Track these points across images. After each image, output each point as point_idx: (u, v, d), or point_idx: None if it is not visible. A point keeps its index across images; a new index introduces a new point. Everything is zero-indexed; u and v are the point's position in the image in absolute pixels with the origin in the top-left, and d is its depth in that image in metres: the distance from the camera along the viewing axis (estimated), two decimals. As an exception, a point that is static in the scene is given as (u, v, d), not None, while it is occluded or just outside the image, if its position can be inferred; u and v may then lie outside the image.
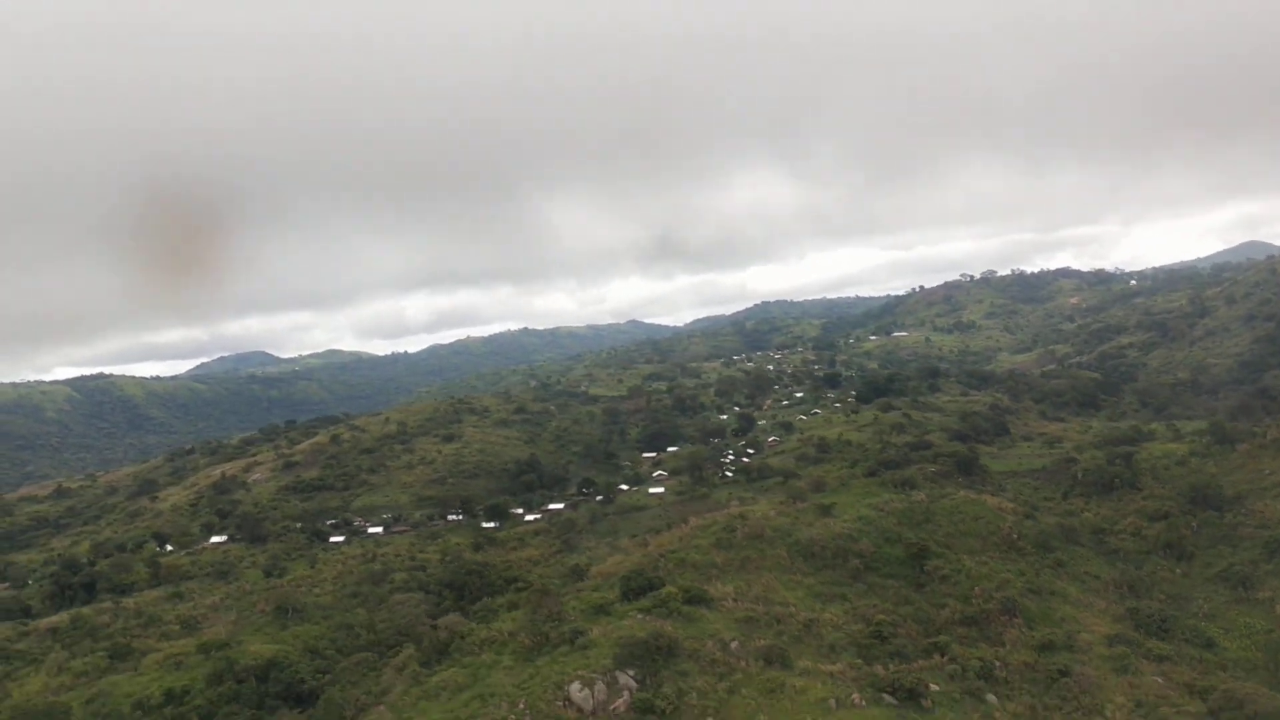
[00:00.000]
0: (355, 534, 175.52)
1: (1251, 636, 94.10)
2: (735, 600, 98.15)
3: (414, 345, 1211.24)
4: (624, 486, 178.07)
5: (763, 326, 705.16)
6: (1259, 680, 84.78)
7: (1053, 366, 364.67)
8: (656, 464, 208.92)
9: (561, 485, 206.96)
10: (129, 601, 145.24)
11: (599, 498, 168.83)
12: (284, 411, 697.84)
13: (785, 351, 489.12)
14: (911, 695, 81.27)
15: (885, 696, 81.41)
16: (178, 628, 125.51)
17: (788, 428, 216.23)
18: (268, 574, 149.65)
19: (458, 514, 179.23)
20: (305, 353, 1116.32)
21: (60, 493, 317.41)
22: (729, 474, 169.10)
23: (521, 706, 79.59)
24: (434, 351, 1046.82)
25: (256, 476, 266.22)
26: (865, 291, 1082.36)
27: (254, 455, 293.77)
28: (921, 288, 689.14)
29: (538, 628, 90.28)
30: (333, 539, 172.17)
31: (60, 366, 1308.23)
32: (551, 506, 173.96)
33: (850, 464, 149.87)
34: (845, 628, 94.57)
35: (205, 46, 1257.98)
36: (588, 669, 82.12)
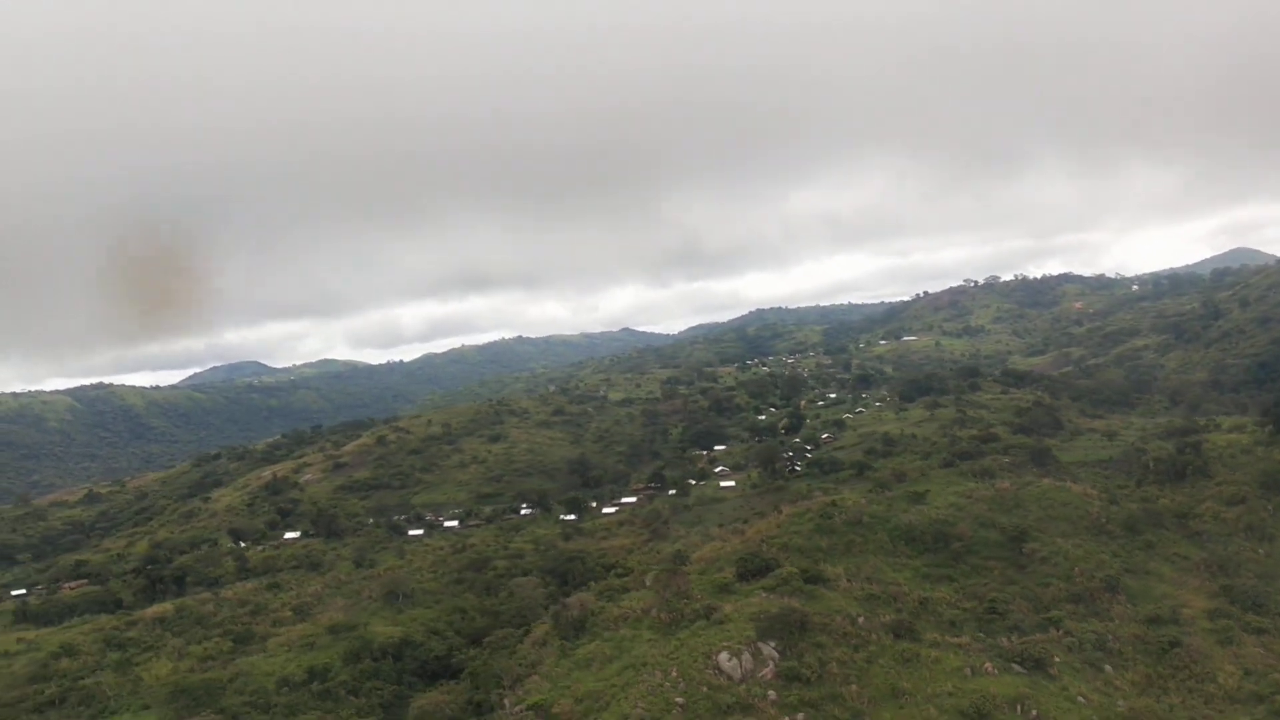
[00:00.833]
0: (431, 528, 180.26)
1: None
2: (849, 581, 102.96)
3: (408, 354, 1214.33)
4: (690, 481, 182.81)
5: (765, 333, 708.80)
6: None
7: (1070, 368, 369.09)
8: (712, 460, 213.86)
9: (620, 481, 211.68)
10: (227, 592, 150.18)
11: (670, 491, 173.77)
12: (284, 420, 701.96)
13: (798, 355, 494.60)
14: (1039, 665, 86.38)
15: (1014, 666, 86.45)
16: (290, 614, 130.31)
17: (839, 425, 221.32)
18: (358, 564, 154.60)
19: (530, 508, 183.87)
20: (299, 362, 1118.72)
21: (91, 498, 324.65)
22: (797, 468, 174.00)
23: (674, 674, 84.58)
24: (429, 360, 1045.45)
25: (308, 477, 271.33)
26: (858, 298, 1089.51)
27: (301, 456, 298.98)
28: (926, 293, 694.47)
29: (671, 604, 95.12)
30: (411, 532, 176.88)
31: (52, 377, 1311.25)
32: (624, 500, 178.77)
33: (923, 456, 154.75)
34: (959, 605, 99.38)
35: (190, 51, 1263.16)
36: (732, 641, 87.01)
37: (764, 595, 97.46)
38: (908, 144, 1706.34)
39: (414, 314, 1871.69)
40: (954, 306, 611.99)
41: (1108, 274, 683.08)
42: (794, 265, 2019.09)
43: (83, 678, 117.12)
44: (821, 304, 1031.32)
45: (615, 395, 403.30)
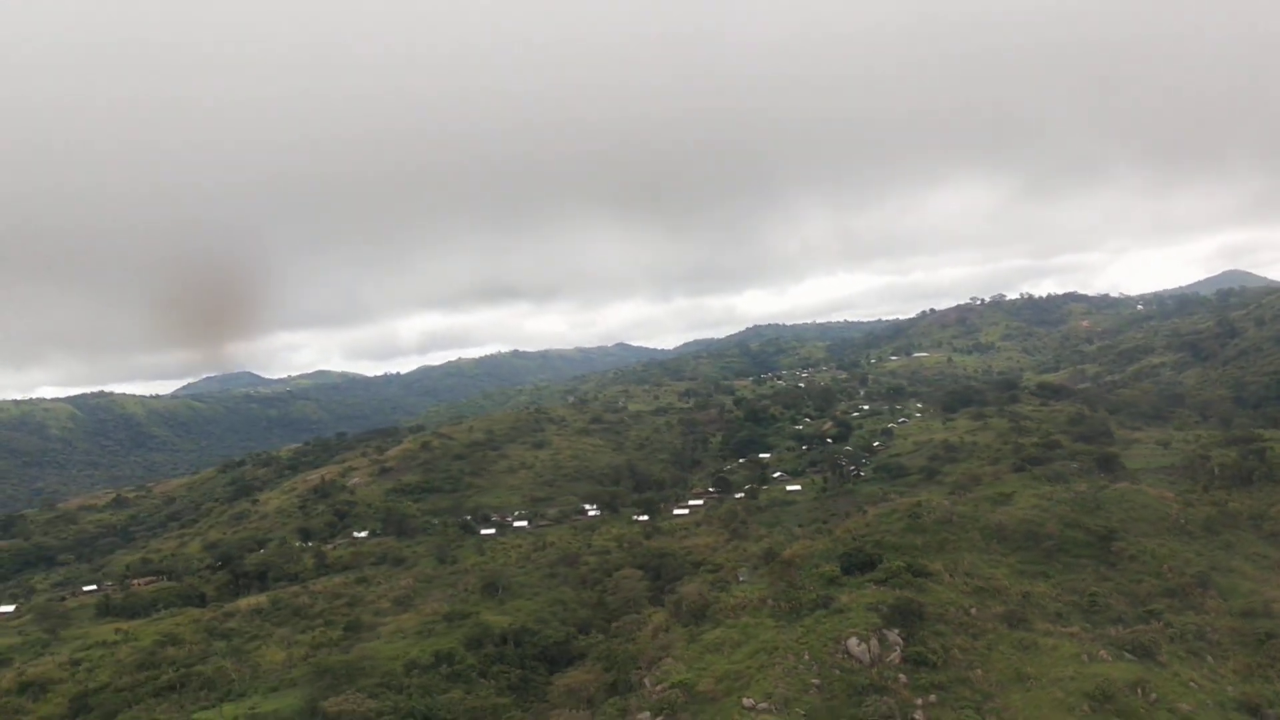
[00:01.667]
0: (502, 527, 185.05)
1: None
2: (950, 575, 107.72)
3: (403, 367, 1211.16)
4: (749, 485, 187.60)
5: (769, 348, 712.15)
6: None
7: (1087, 384, 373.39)
8: (764, 467, 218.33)
9: (678, 485, 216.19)
10: (316, 585, 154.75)
11: (737, 495, 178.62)
12: (283, 430, 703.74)
13: (811, 370, 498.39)
14: (1147, 652, 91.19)
15: (1125, 654, 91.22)
16: (389, 605, 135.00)
17: (888, 433, 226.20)
18: (440, 560, 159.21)
19: (599, 509, 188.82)
20: (294, 373, 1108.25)
21: (120, 502, 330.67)
22: (860, 473, 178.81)
23: (806, 658, 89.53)
24: (426, 373, 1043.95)
25: (355, 480, 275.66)
26: (853, 316, 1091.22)
27: (343, 461, 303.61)
28: (932, 310, 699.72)
29: (790, 594, 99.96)
30: (483, 531, 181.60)
31: (44, 386, 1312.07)
32: (692, 503, 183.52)
33: (991, 461, 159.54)
34: (1059, 599, 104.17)
35: (194, 67, 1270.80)
36: (859, 627, 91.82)
37: (874, 587, 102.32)
38: (909, 164, 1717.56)
39: (409, 327, 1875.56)
40: (962, 324, 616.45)
41: (1111, 294, 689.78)
42: (790, 283, 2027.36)
43: (192, 664, 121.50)
44: (818, 321, 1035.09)
45: (635, 407, 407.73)
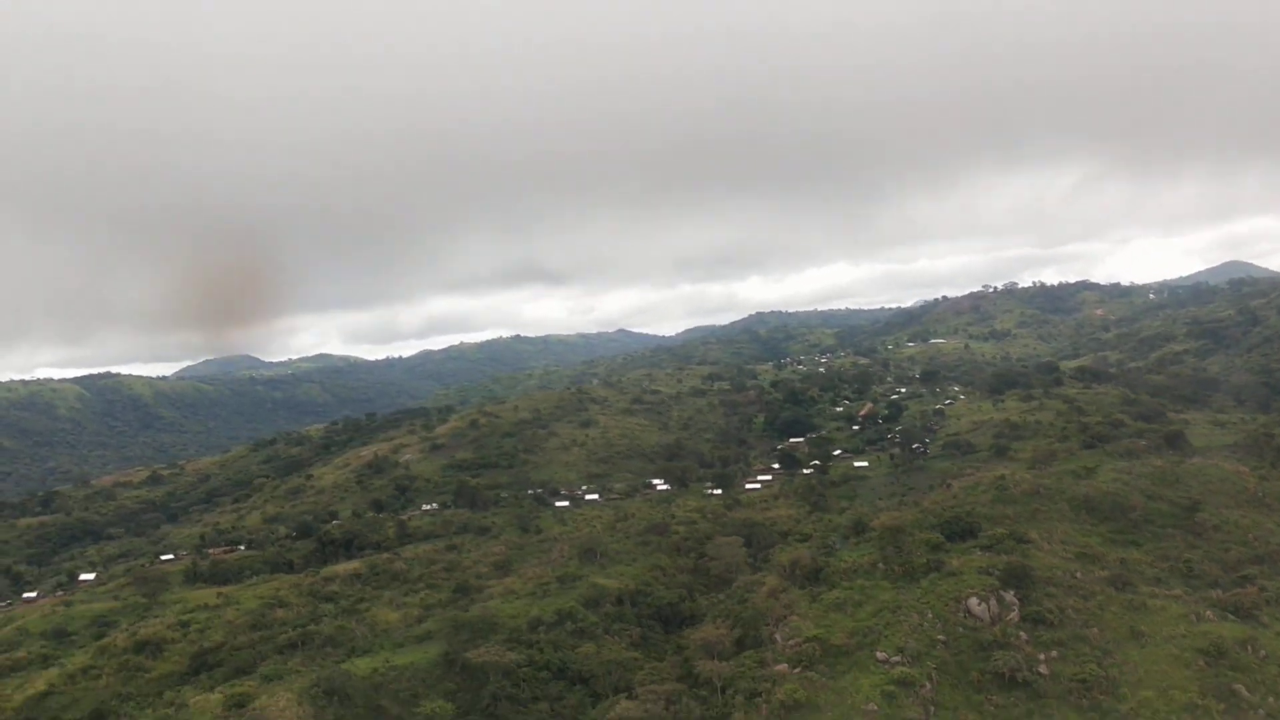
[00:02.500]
0: (574, 500, 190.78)
1: None
2: (1048, 543, 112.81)
3: (404, 351, 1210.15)
4: (815, 462, 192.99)
5: (778, 334, 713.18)
6: None
7: (1110, 370, 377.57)
8: (827, 442, 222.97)
9: (739, 462, 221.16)
10: (407, 552, 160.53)
11: (805, 470, 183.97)
12: (288, 413, 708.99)
13: (829, 355, 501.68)
14: (1249, 614, 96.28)
15: (1228, 615, 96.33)
16: (488, 569, 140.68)
17: (940, 414, 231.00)
18: (523, 530, 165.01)
19: (667, 483, 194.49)
20: (294, 356, 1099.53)
21: (155, 479, 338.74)
22: (926, 450, 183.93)
23: (930, 616, 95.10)
24: (427, 357, 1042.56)
25: (408, 456, 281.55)
26: (853, 304, 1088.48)
27: (395, 438, 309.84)
28: (945, 298, 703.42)
29: (903, 559, 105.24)
30: (558, 503, 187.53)
31: (41, 367, 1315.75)
32: (761, 478, 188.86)
33: (1059, 439, 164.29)
34: (1154, 565, 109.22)
35: (209, 56, 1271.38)
36: (976, 589, 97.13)
37: (980, 553, 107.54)
38: (909, 155, 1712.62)
39: (409, 311, 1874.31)
40: (976, 311, 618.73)
41: (1133, 282, 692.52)
42: (790, 271, 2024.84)
43: (304, 625, 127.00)
44: (819, 308, 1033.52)
45: (660, 389, 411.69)
